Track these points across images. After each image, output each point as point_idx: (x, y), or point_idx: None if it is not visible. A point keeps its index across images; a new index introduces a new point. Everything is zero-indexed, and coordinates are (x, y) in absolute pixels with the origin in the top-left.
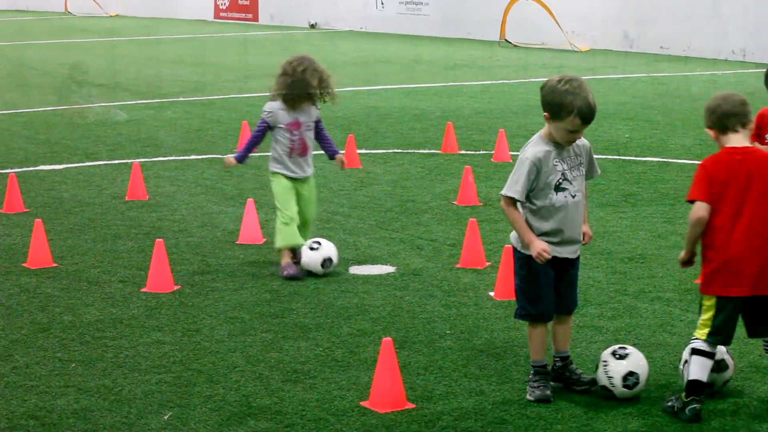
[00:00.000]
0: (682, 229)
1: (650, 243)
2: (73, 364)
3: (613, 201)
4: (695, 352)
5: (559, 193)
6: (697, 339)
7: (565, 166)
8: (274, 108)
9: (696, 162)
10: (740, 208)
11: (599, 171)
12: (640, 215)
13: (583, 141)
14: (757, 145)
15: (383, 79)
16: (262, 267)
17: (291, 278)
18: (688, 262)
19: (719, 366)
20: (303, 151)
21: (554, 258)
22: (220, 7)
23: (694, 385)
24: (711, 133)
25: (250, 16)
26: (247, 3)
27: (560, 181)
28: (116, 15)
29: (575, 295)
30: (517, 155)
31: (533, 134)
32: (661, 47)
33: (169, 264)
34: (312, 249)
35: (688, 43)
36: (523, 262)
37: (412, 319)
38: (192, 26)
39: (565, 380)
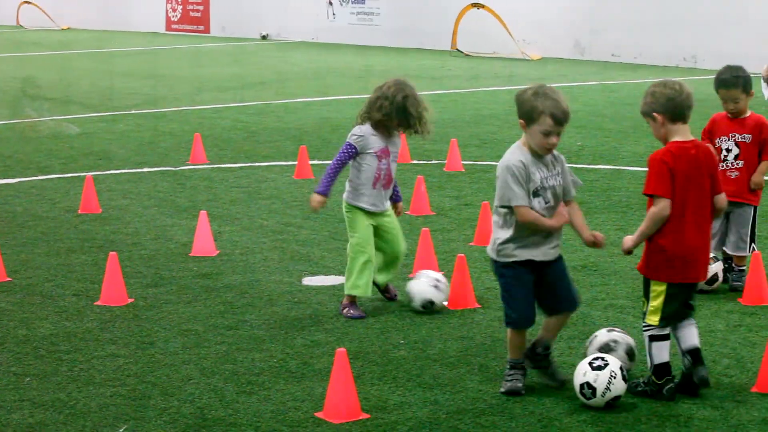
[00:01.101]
0: None
1: (602, 251)
2: (28, 378)
3: None
4: (653, 338)
5: (535, 198)
6: (650, 326)
7: (542, 174)
8: (366, 132)
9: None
10: (687, 198)
11: (574, 192)
12: (593, 223)
13: (559, 155)
14: None
15: (335, 89)
16: (216, 279)
17: (355, 318)
18: (629, 252)
19: (630, 355)
20: (388, 183)
21: (530, 262)
22: (172, 20)
23: (663, 368)
24: (659, 117)
25: (201, 27)
26: (199, 15)
27: (537, 188)
28: (68, 28)
29: (572, 290)
30: (471, 164)
31: (485, 143)
32: (612, 55)
33: (123, 277)
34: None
35: (639, 50)
36: (501, 271)
37: (365, 330)
38: (144, 38)
39: (542, 369)
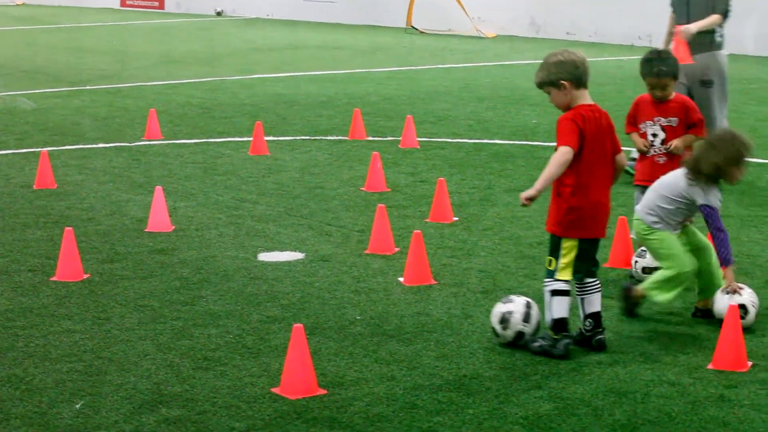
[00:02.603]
0: None
1: None
2: None
3: (520, 186)
4: (556, 293)
5: None
6: (556, 281)
7: None
8: None
9: None
10: (594, 158)
11: None
12: (548, 200)
13: None
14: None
15: (290, 66)
16: (171, 255)
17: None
18: (531, 200)
19: (527, 317)
20: None
21: None
22: None
23: (560, 323)
24: (566, 84)
25: (156, 4)
26: None
27: None
28: (23, 3)
29: None
30: (426, 141)
31: (440, 120)
32: (567, 33)
33: (79, 252)
34: None
35: (595, 28)
36: None
37: (321, 306)
38: (99, 14)
39: None
